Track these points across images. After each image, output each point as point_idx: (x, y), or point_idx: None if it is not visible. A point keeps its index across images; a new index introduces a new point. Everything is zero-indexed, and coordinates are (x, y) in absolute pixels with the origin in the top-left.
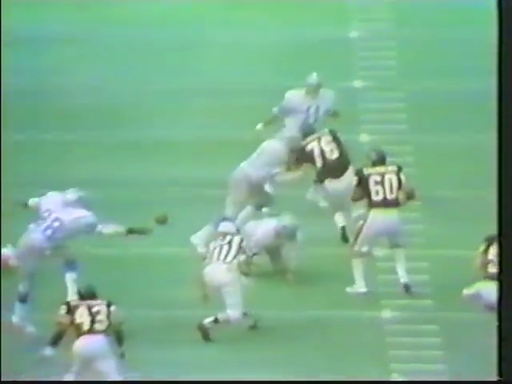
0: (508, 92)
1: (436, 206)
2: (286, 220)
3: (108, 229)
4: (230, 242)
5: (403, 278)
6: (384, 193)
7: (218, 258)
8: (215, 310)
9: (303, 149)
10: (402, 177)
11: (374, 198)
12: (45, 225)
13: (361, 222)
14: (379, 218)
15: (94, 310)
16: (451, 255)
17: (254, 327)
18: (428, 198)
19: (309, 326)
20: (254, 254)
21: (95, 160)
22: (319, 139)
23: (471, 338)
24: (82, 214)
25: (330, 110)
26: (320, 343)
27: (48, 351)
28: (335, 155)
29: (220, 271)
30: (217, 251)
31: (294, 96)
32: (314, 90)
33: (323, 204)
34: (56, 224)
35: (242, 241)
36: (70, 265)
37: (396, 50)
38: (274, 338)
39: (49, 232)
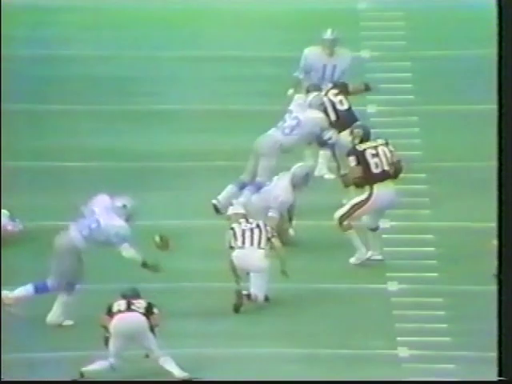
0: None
1: (442, 178)
2: (299, 170)
3: (128, 253)
4: (258, 226)
5: (379, 255)
6: (382, 165)
7: (252, 243)
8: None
9: (317, 103)
10: (392, 149)
11: (374, 170)
12: (84, 224)
13: (361, 197)
14: (382, 192)
15: (133, 301)
16: (457, 227)
17: (265, 300)
18: (434, 169)
19: (316, 299)
20: (273, 236)
21: (104, 130)
22: (327, 92)
23: (476, 311)
24: (118, 224)
25: (347, 71)
26: (327, 316)
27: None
28: (345, 106)
29: (257, 257)
30: (248, 235)
31: (312, 52)
32: (330, 46)
33: (329, 176)
34: (94, 225)
35: (265, 224)
36: (70, 286)
37: (404, 21)
38: (282, 311)
39: (86, 232)
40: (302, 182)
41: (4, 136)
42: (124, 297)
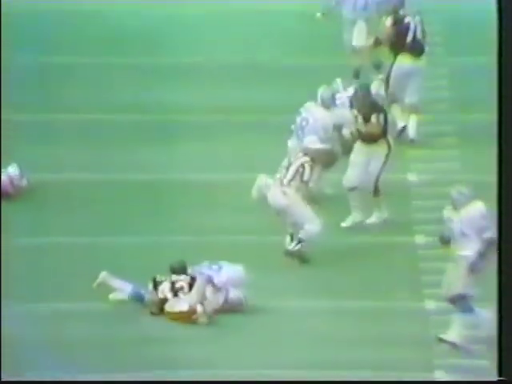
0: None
1: (471, 131)
2: (326, 93)
3: None
4: (303, 165)
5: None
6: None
7: (282, 181)
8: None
9: (402, 20)
10: None
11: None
12: None
13: (382, 156)
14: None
15: (177, 285)
16: (487, 181)
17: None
18: (463, 122)
19: (343, 252)
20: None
21: (132, 83)
22: (415, 16)
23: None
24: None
25: (383, 3)
26: (355, 268)
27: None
28: (419, 37)
29: (276, 194)
30: (284, 171)
31: None
32: None
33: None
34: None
35: (302, 164)
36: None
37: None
38: (310, 265)
39: None
40: (331, 103)
41: (40, 88)
42: (173, 271)
